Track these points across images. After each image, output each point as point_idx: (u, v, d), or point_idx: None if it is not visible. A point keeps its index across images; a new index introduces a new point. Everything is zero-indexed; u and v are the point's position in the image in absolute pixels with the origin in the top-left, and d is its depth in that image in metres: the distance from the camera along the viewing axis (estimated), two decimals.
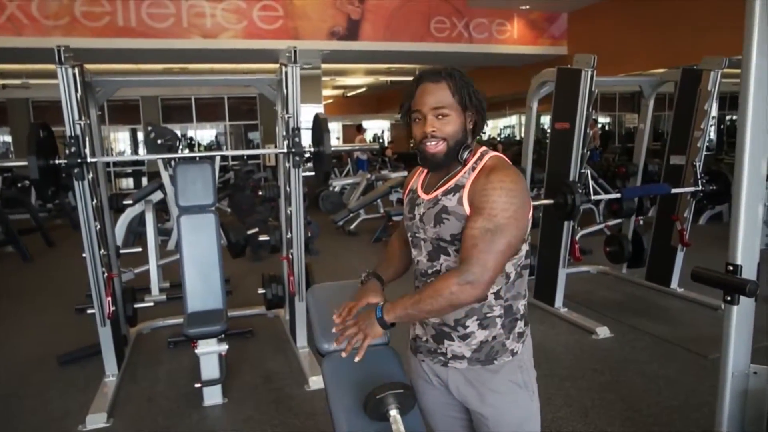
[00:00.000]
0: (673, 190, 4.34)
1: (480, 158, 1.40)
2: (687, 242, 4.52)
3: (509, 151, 12.76)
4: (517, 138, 16.51)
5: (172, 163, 6.38)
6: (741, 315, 1.63)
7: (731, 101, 12.55)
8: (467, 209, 1.34)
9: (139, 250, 4.34)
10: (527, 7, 10.37)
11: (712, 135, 7.64)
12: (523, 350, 1.45)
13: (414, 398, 1.42)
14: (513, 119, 18.35)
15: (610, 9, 9.80)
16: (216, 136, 15.47)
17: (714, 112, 4.61)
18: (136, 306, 3.98)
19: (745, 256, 1.58)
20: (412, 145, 1.45)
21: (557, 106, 4.26)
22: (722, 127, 14.30)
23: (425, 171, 1.52)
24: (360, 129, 12.96)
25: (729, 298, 1.58)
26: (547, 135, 5.41)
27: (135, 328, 4.10)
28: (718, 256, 1.70)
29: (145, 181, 12.39)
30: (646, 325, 4.04)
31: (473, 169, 1.38)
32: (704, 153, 4.41)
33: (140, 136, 12.98)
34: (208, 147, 14.99)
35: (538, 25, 10.83)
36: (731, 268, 1.59)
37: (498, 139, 17.80)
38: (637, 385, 3.16)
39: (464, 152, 1.39)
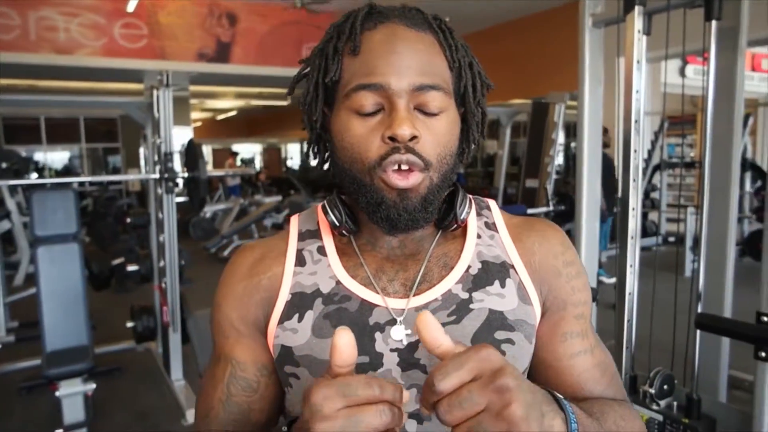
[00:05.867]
0: (529, 210, 4.80)
1: (483, 207, 0.77)
2: None
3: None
4: None
5: (19, 189, 5.83)
6: None
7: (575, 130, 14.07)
8: (538, 311, 0.70)
9: None
10: None
11: (561, 160, 8.53)
12: None
13: None
14: None
15: (473, 43, 10.58)
16: (70, 159, 14.20)
17: (561, 139, 5.18)
18: None
19: (587, 266, 1.82)
20: (324, 167, 0.73)
21: None
22: (569, 153, 16.00)
23: (318, 242, 0.74)
24: (233, 155, 12.72)
25: None
26: None
27: None
28: None
29: None
30: None
31: (488, 226, 0.74)
32: (554, 176, 4.95)
33: None
34: (59, 172, 13.65)
35: None
36: None
37: None
38: None
39: (465, 203, 0.70)
